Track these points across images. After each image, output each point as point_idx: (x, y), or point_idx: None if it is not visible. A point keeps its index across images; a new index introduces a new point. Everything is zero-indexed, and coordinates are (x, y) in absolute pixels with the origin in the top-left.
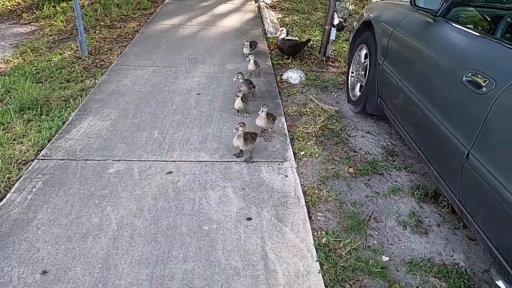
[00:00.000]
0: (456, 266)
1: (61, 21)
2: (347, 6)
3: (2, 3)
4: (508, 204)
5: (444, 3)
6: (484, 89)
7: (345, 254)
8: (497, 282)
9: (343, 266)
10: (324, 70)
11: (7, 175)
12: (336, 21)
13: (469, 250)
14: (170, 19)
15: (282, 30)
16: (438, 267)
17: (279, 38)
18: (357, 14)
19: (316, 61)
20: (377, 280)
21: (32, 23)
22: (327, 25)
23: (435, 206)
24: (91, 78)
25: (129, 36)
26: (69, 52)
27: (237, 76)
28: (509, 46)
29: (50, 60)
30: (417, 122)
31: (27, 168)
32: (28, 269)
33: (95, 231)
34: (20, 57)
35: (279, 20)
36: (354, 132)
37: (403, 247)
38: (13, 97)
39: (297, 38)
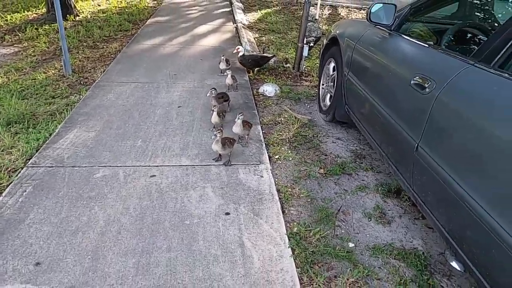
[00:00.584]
0: (415, 250)
1: (44, 42)
2: (320, 26)
3: None
4: (452, 189)
5: (397, 19)
6: (427, 89)
7: (314, 241)
8: (451, 263)
9: (312, 251)
10: (298, 84)
11: (3, 179)
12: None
13: (427, 237)
14: (151, 39)
15: (239, 48)
16: (398, 251)
17: (238, 56)
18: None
19: (290, 76)
20: (343, 263)
21: (15, 45)
22: (300, 43)
23: (397, 201)
24: (75, 94)
25: (112, 55)
26: (53, 71)
27: (211, 91)
28: (447, 53)
29: (35, 79)
30: (377, 123)
31: (17, 175)
32: (22, 262)
33: (84, 228)
34: (4, 76)
35: (256, 39)
36: (325, 138)
37: (367, 235)
38: (3, 111)
39: (258, 53)
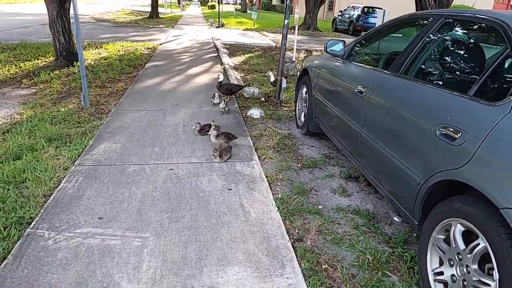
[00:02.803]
0: (367, 210)
1: (58, 84)
2: (296, 66)
3: (2, 72)
4: (386, 158)
5: (346, 51)
6: (364, 93)
7: (293, 204)
8: (394, 218)
9: (292, 209)
10: (279, 109)
11: (57, 174)
12: (272, 79)
13: (377, 203)
14: (152, 79)
15: (219, 75)
16: (354, 210)
17: (217, 82)
18: None
19: (272, 104)
20: (314, 215)
21: (31, 87)
22: (279, 77)
23: (356, 183)
24: (98, 120)
25: (120, 92)
26: (72, 105)
27: (195, 125)
28: (376, 70)
29: (59, 111)
30: (337, 124)
31: (69, 171)
32: (89, 217)
33: (128, 199)
34: (31, 110)
35: (241, 77)
36: (302, 146)
37: (332, 202)
38: (39, 133)
39: (234, 82)
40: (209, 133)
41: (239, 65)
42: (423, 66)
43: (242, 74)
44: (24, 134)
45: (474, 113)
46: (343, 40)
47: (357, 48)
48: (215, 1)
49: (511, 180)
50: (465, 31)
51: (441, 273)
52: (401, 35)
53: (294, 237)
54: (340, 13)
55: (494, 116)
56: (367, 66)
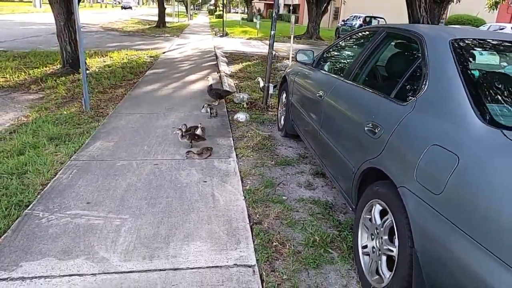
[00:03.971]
0: (326, 201)
1: (63, 90)
2: None
3: (12, 78)
4: (334, 152)
5: (315, 60)
6: (323, 97)
7: (260, 195)
8: (350, 208)
9: (257, 198)
10: (265, 113)
11: (54, 167)
12: (261, 84)
13: (338, 195)
14: (150, 85)
15: (208, 78)
16: (314, 200)
17: (208, 86)
18: None
19: (259, 109)
20: (276, 204)
21: (39, 92)
22: (266, 83)
23: (323, 179)
24: (96, 122)
25: (119, 97)
26: (74, 109)
27: (182, 126)
28: (334, 77)
29: (62, 114)
30: (305, 126)
31: (65, 164)
32: (78, 202)
33: (113, 188)
34: (37, 113)
35: (235, 84)
36: (280, 146)
37: (297, 194)
38: (42, 133)
39: (225, 88)
40: (174, 132)
41: (235, 73)
42: (365, 73)
43: (236, 81)
44: (28, 134)
45: (389, 111)
46: (312, 50)
47: (323, 57)
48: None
49: (404, 165)
50: (397, 43)
51: (366, 246)
52: (357, 46)
53: (254, 221)
54: (343, 22)
55: (401, 113)
56: (329, 73)
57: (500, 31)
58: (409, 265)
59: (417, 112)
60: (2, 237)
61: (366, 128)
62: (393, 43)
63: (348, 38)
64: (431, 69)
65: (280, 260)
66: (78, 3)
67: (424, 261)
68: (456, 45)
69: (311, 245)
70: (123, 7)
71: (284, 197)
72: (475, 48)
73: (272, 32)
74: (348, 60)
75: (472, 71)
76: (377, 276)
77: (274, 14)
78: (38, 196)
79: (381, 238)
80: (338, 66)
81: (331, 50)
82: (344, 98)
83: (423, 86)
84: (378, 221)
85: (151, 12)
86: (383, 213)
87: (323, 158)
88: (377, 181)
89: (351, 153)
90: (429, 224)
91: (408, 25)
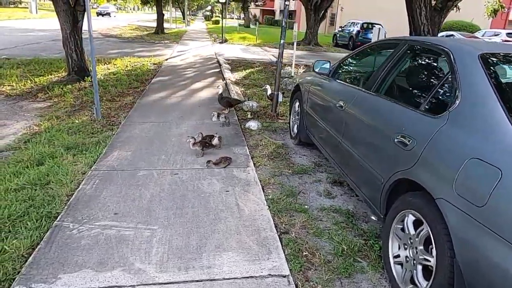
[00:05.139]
0: (347, 210)
1: (71, 98)
2: (294, 81)
3: (19, 86)
4: (359, 162)
5: (332, 70)
6: (343, 108)
7: (283, 204)
8: (371, 217)
9: (281, 208)
10: (275, 121)
11: (76, 177)
12: (269, 92)
13: (357, 205)
14: (158, 93)
15: (219, 86)
16: (336, 209)
17: (218, 94)
18: None
19: (269, 117)
20: (300, 213)
21: (46, 100)
22: (276, 91)
23: (341, 187)
24: (109, 130)
25: (129, 105)
26: (85, 117)
27: (192, 138)
28: (353, 87)
29: (73, 122)
30: (323, 135)
31: (86, 175)
32: (106, 213)
33: (138, 198)
34: (48, 122)
35: (241, 91)
36: (294, 155)
37: (318, 203)
38: (58, 142)
39: (234, 96)
40: (187, 141)
41: (240, 80)
42: (388, 85)
43: (242, 89)
44: (43, 143)
45: (421, 124)
46: (328, 61)
47: (340, 68)
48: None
49: (442, 177)
50: (421, 56)
51: (398, 256)
52: (376, 57)
53: (281, 230)
54: (340, 29)
55: (434, 126)
56: (348, 84)
57: (495, 37)
58: (449, 275)
59: (451, 126)
60: (36, 249)
61: (396, 140)
62: (416, 56)
63: (366, 50)
64: (462, 83)
65: (312, 269)
66: (83, 13)
67: (467, 271)
68: (485, 59)
69: (340, 254)
70: (99, 14)
71: (306, 206)
72: (503, 62)
73: (282, 41)
74: (369, 72)
75: (503, 84)
76: (412, 285)
77: (283, 23)
78: (65, 207)
79: (416, 248)
80: (358, 77)
81: (348, 61)
82: (368, 109)
83: (455, 100)
84: (412, 231)
85: (147, 18)
86: (416, 223)
87: (345, 167)
88: (408, 191)
89: (379, 164)
90: (471, 235)
91: (433, 39)
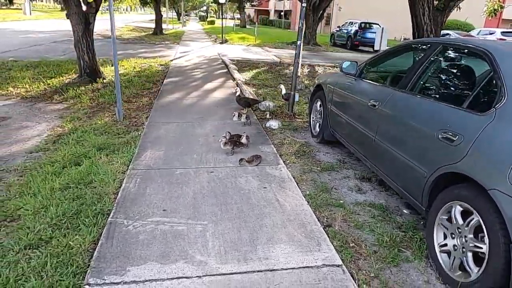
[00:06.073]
0: (380, 204)
1: (87, 99)
2: (303, 81)
3: (32, 88)
4: (397, 158)
5: (358, 70)
6: (377, 107)
7: (320, 199)
8: (403, 210)
9: (319, 203)
10: (293, 121)
11: (117, 176)
12: (284, 92)
13: (388, 199)
14: (173, 94)
15: (237, 89)
16: (370, 204)
17: (236, 95)
18: (311, 86)
19: (286, 116)
20: (338, 208)
21: (63, 102)
22: (292, 91)
23: (369, 183)
24: (135, 131)
25: (147, 106)
26: (107, 119)
27: (222, 137)
28: (385, 86)
29: (96, 123)
30: (352, 133)
31: (126, 174)
32: (155, 209)
33: (182, 195)
34: (70, 123)
35: (254, 92)
36: (318, 152)
37: (351, 198)
38: (87, 143)
39: (250, 97)
40: (220, 140)
41: (249, 81)
42: (425, 84)
43: (253, 89)
44: (72, 144)
45: (467, 121)
46: (355, 61)
47: (367, 68)
48: (213, 17)
49: (495, 169)
50: (459, 57)
51: (445, 245)
52: (405, 58)
53: (324, 223)
54: (338, 29)
55: (482, 123)
56: (377, 84)
57: (490, 35)
58: (504, 260)
59: (499, 122)
60: (99, 245)
61: (440, 136)
62: (454, 57)
63: (394, 51)
64: (507, 82)
65: (361, 259)
66: (95, 15)
67: None
68: None
69: (385, 245)
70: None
71: (341, 201)
72: None
73: (299, 42)
74: (400, 72)
75: None
76: (460, 272)
77: (300, 24)
78: (115, 205)
79: (465, 236)
80: (389, 77)
81: (376, 62)
82: (406, 108)
83: (501, 98)
84: (460, 221)
85: (142, 18)
86: (464, 214)
87: (379, 163)
88: (453, 184)
89: (421, 159)
90: None
91: (471, 40)
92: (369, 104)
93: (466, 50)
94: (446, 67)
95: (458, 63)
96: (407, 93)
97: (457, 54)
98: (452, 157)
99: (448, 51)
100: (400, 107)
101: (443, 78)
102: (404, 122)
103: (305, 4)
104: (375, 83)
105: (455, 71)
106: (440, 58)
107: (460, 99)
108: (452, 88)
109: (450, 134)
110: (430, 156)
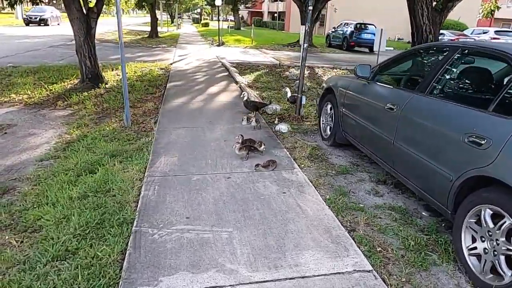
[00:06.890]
0: (399, 206)
1: (92, 105)
2: (306, 83)
3: (34, 95)
4: (419, 162)
5: (372, 74)
6: (395, 110)
7: (340, 203)
8: (423, 213)
9: (340, 207)
10: (301, 124)
11: (135, 184)
12: (289, 95)
13: (406, 201)
14: (178, 98)
15: (244, 93)
16: (389, 207)
17: (244, 100)
18: (314, 88)
19: (294, 119)
20: (359, 212)
21: (67, 108)
22: (299, 94)
23: (385, 186)
24: (145, 137)
25: (153, 111)
26: (115, 125)
27: (236, 142)
28: (402, 90)
29: (104, 130)
30: (367, 136)
31: (143, 181)
32: (178, 217)
33: (203, 202)
34: (77, 130)
35: (258, 95)
36: (330, 156)
37: (370, 201)
38: (99, 151)
39: (258, 100)
40: (233, 146)
41: (252, 83)
42: (446, 87)
43: (257, 92)
44: (83, 152)
45: (495, 124)
46: (369, 65)
47: (382, 71)
48: (207, 19)
49: None
50: (479, 60)
51: (475, 248)
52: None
53: (348, 228)
54: (333, 29)
55: (510, 126)
56: (393, 87)
57: (484, 34)
58: None
59: None
60: (127, 254)
61: (466, 140)
62: (474, 60)
63: (409, 55)
64: None
65: (390, 264)
66: (96, 20)
67: None
68: None
69: (411, 249)
70: (27, 21)
71: (361, 205)
72: None
73: (305, 45)
74: (418, 75)
75: None
76: (492, 275)
77: (306, 28)
78: (137, 213)
79: (496, 240)
80: (406, 80)
81: (390, 65)
82: (427, 111)
83: None
84: (491, 225)
85: (135, 21)
86: (494, 217)
87: (398, 167)
88: (479, 188)
89: (447, 163)
90: None
91: (491, 44)
92: (386, 107)
93: (487, 54)
94: (467, 70)
95: (479, 66)
96: (426, 96)
97: (478, 58)
98: (480, 161)
99: (468, 55)
100: (420, 111)
101: (465, 81)
102: (425, 125)
103: (311, 7)
104: (390, 86)
105: (476, 74)
106: (460, 62)
107: (485, 102)
108: (475, 91)
109: (477, 137)
110: (456, 160)
